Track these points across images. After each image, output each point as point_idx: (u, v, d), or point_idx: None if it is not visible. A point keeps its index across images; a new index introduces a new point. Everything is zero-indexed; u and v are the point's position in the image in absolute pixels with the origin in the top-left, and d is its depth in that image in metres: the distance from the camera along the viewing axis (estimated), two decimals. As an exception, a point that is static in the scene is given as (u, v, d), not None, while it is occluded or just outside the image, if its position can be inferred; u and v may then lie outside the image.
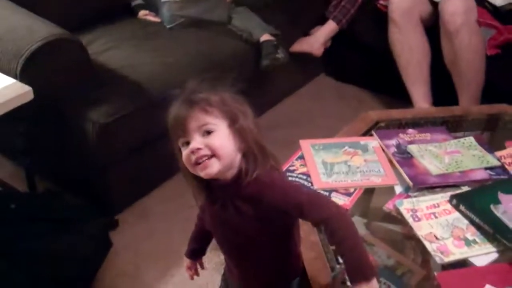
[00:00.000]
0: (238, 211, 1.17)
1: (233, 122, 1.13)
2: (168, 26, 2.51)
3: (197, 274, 1.51)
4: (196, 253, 1.48)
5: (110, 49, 2.27)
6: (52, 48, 1.88)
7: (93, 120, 1.96)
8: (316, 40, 2.89)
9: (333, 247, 1.20)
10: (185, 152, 1.13)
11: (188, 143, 1.13)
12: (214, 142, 1.11)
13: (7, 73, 1.87)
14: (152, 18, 2.59)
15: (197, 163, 1.12)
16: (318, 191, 1.54)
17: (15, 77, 1.86)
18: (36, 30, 1.89)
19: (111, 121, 1.98)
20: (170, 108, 1.20)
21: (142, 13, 2.59)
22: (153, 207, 2.30)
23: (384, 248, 1.42)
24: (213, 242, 1.38)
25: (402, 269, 1.38)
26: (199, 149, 1.10)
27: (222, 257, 1.44)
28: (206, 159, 1.11)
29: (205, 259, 1.49)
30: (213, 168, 1.11)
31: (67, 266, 1.88)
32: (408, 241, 1.48)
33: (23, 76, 1.85)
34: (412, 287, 1.32)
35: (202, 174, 1.12)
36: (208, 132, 1.11)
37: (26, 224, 1.94)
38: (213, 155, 1.11)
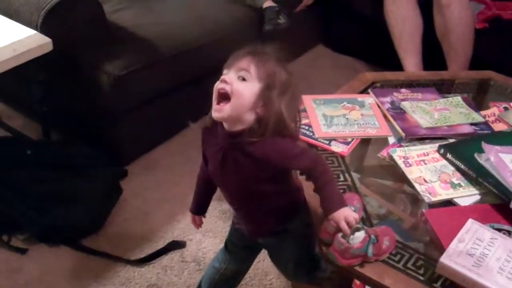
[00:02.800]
0: (236, 163, 1.29)
1: (266, 89, 1.23)
2: (173, -11, 2.61)
3: (200, 226, 1.62)
4: (199, 208, 1.57)
5: (121, 10, 2.38)
6: (71, 3, 1.99)
7: (108, 72, 2.07)
8: None
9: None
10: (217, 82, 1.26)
11: None
12: (238, 87, 1.23)
13: (29, 24, 1.97)
14: (160, -18, 2.68)
15: (217, 101, 1.25)
16: (320, 139, 1.69)
17: (35, 28, 1.96)
18: (56, -14, 2.00)
19: (124, 73, 2.09)
20: None
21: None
22: (159, 160, 2.40)
23: (376, 198, 1.56)
24: (217, 192, 1.49)
25: (393, 217, 1.52)
26: (225, 82, 1.23)
27: (224, 206, 1.55)
28: (223, 104, 1.23)
29: (209, 207, 1.58)
30: (223, 112, 1.23)
31: (81, 207, 2.00)
32: (398, 194, 1.63)
33: (43, 28, 1.95)
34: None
35: (214, 115, 1.24)
36: (242, 79, 1.24)
37: (42, 169, 2.05)
38: (229, 99, 1.22)
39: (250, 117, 1.24)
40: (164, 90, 2.30)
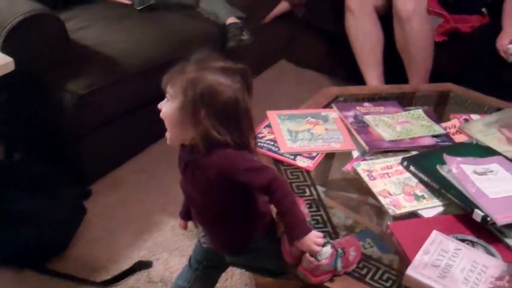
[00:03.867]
0: (195, 177, 1.30)
1: (184, 104, 1.21)
2: (138, 8, 2.60)
3: (186, 229, 1.59)
4: (186, 214, 1.54)
5: (84, 28, 2.36)
6: (33, 22, 1.96)
7: (71, 91, 2.05)
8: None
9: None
10: None
11: None
12: (163, 109, 1.26)
13: (-11, 44, 1.94)
14: (123, 0, 2.67)
15: None
16: (285, 154, 1.70)
17: (-3, 48, 1.93)
18: (18, 5, 1.96)
19: (88, 92, 2.07)
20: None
21: (113, -5, 2.68)
22: (125, 178, 2.38)
23: (342, 210, 1.58)
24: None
25: (360, 227, 1.55)
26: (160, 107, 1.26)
27: (190, 224, 1.56)
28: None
29: (176, 225, 1.59)
30: (167, 138, 1.28)
31: (44, 228, 1.96)
32: (364, 206, 1.66)
33: (5, 47, 1.91)
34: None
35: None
36: (167, 99, 1.25)
37: (6, 189, 2.02)
38: None
39: (188, 135, 1.25)
40: (129, 107, 2.29)
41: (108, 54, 2.24)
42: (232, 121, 1.24)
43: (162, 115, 1.25)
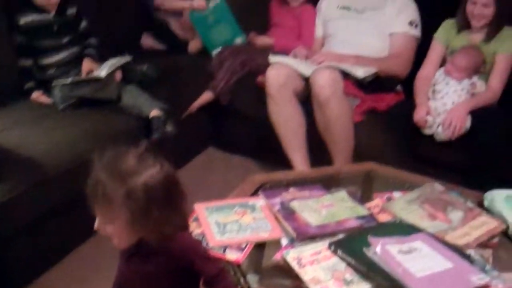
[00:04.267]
0: (142, 265, 1.30)
1: (132, 218, 1.23)
2: (60, 107, 2.60)
3: None
4: None
5: (4, 130, 2.33)
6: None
7: (-9, 198, 2.00)
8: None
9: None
10: None
11: None
12: (108, 230, 1.26)
13: None
14: (44, 99, 2.66)
15: None
16: (213, 248, 1.69)
17: None
18: None
19: (7, 198, 2.04)
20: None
21: (35, 95, 2.66)
22: (53, 283, 2.29)
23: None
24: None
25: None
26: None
27: None
28: None
29: None
30: (115, 244, 1.27)
31: None
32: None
33: None
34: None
35: None
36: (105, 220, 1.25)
37: None
38: None
39: (139, 235, 1.27)
40: (54, 209, 2.25)
41: (28, 156, 2.21)
42: (175, 205, 1.28)
43: (109, 234, 1.24)
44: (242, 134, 3.27)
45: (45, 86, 2.72)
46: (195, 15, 3.31)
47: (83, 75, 2.70)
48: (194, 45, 3.34)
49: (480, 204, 1.96)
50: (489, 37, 2.77)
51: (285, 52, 3.19)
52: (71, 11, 2.83)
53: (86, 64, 2.76)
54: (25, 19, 2.68)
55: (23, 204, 2.09)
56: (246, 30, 3.43)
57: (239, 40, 3.40)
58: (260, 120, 2.97)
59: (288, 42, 3.30)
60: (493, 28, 2.76)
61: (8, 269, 2.19)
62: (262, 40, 3.37)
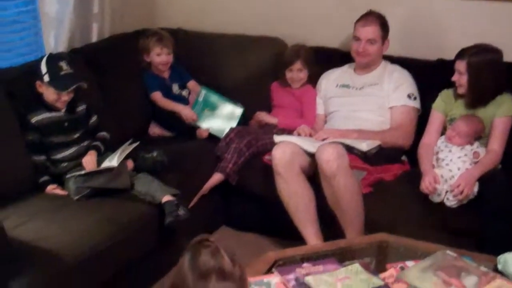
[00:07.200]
0: None
1: None
2: (75, 198, 2.66)
3: None
4: None
5: (22, 224, 2.37)
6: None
7: (13, 293, 2.03)
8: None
9: None
10: None
11: None
12: None
13: None
14: (59, 191, 2.72)
15: None
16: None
17: None
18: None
19: (30, 292, 2.06)
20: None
21: (50, 188, 2.72)
22: None
23: None
24: None
25: None
26: None
27: None
28: None
29: None
30: None
31: None
32: None
33: None
34: None
35: None
36: None
37: None
38: None
39: None
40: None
41: (47, 248, 2.25)
42: None
43: None
44: (253, 212, 3.31)
45: (59, 179, 2.79)
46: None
47: (85, 168, 2.76)
48: (201, 134, 3.45)
49: (494, 268, 1.98)
50: (471, 104, 2.88)
51: (288, 131, 3.29)
52: (81, 107, 2.93)
53: (88, 157, 2.82)
54: (37, 118, 2.77)
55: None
56: (249, 111, 3.54)
57: (239, 111, 3.52)
58: (270, 197, 3.02)
59: (291, 121, 3.40)
60: (471, 96, 2.87)
61: None
62: (267, 118, 3.48)
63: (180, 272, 1.33)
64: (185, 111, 3.44)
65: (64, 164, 2.83)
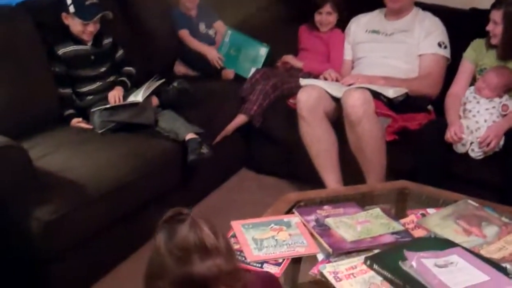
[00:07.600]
0: None
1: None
2: (99, 131, 2.68)
3: None
4: None
5: (48, 155, 2.41)
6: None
7: (37, 218, 2.08)
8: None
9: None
10: None
11: None
12: None
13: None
14: (84, 125, 2.74)
15: None
16: (252, 263, 1.74)
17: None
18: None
19: (54, 218, 2.11)
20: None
21: (75, 121, 2.75)
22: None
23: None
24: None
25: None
26: None
27: None
28: None
29: None
30: None
31: None
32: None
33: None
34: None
35: None
36: None
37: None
38: None
39: None
40: (97, 229, 2.32)
41: (72, 179, 2.29)
42: None
43: None
44: (274, 155, 3.31)
45: (84, 112, 2.82)
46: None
47: (110, 102, 2.77)
48: (227, 74, 3.43)
49: (515, 219, 1.98)
50: (503, 55, 2.82)
51: (314, 75, 3.26)
52: (107, 41, 2.93)
53: (114, 92, 2.83)
54: (64, 50, 2.78)
55: (67, 224, 2.17)
56: (276, 55, 3.50)
57: (264, 51, 3.48)
58: (292, 141, 3.03)
59: (317, 65, 3.37)
60: (505, 47, 2.80)
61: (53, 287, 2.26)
62: (293, 61, 3.44)
63: (156, 257, 1.13)
64: (211, 53, 3.41)
65: (90, 98, 2.85)
